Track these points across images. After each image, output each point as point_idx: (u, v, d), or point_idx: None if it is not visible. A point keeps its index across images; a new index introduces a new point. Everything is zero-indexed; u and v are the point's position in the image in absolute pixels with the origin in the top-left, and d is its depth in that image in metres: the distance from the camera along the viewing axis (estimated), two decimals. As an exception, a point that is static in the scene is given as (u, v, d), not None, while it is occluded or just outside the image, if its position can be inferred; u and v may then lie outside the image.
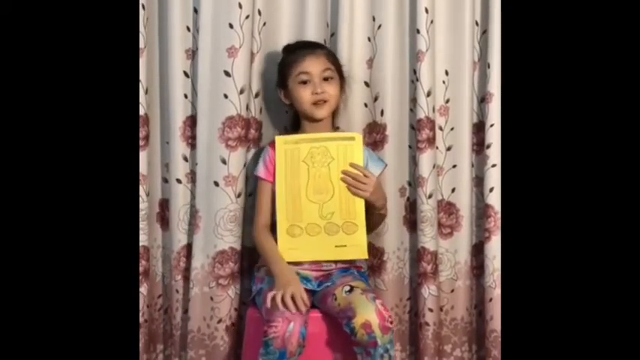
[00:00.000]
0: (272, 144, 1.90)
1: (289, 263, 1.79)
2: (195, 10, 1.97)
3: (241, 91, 1.95)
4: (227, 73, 1.94)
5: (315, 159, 1.83)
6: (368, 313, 1.64)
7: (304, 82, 1.86)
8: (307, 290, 1.75)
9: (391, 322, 1.66)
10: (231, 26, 1.93)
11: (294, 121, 1.98)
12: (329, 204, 1.82)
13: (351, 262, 1.87)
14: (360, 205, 1.82)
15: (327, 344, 1.76)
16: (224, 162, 1.96)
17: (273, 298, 1.64)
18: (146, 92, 1.93)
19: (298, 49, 1.90)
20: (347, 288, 1.74)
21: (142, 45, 1.90)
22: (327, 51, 1.92)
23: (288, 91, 1.90)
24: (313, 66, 1.86)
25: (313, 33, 1.96)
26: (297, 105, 1.89)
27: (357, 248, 1.83)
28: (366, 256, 1.85)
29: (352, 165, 1.82)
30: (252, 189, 1.99)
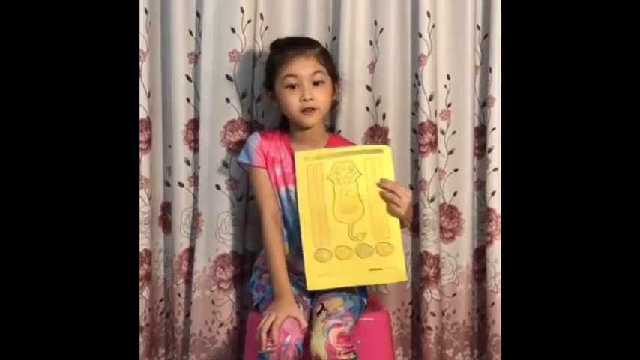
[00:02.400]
0: (262, 133, 1.88)
1: (318, 291, 1.72)
2: (198, 15, 1.97)
3: (243, 95, 1.95)
4: (229, 77, 1.94)
5: (340, 175, 1.70)
6: (319, 347, 1.56)
7: (292, 86, 1.75)
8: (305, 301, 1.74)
9: (346, 353, 1.56)
10: (233, 30, 1.93)
11: (283, 122, 1.90)
12: (359, 223, 1.69)
13: None
14: (394, 223, 1.69)
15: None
16: (226, 166, 1.96)
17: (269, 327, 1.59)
18: (148, 96, 1.94)
19: (287, 48, 1.79)
20: (318, 308, 1.65)
21: (144, 49, 1.90)
22: (318, 50, 1.80)
23: (274, 93, 1.80)
24: (302, 69, 1.75)
25: (315, 37, 1.94)
26: (284, 110, 1.80)
27: (394, 271, 1.69)
28: (405, 279, 1.75)
29: (384, 180, 1.71)
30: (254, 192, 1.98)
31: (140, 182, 1.93)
